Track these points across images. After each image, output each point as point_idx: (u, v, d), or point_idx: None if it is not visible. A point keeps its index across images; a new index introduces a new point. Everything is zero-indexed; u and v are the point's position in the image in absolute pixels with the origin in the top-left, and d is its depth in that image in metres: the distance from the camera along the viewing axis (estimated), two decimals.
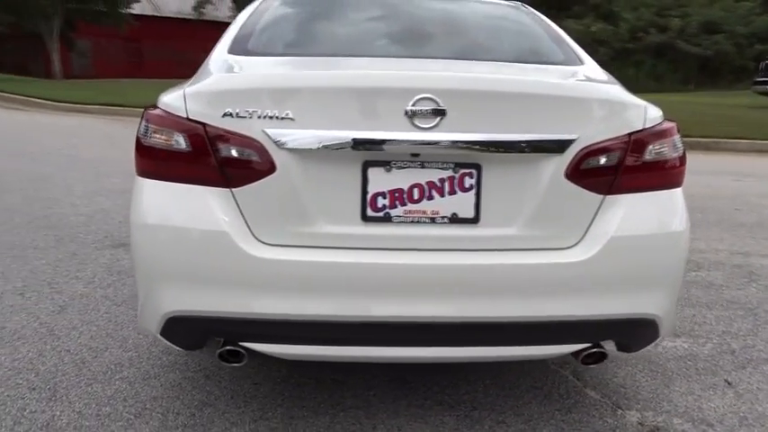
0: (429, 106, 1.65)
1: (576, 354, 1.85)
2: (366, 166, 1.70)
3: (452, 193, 1.73)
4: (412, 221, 1.72)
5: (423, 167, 1.71)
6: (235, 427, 2.02)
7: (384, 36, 2.39)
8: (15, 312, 2.87)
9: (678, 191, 1.89)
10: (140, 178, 1.80)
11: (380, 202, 1.71)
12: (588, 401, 2.23)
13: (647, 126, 1.81)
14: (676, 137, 1.88)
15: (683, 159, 1.89)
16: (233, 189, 1.71)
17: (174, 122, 1.73)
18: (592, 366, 2.04)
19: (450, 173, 1.72)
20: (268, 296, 1.69)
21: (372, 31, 2.44)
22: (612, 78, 2.08)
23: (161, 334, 1.80)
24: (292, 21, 2.46)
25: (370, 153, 1.69)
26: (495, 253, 1.74)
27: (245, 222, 1.71)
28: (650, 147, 1.80)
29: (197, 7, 37.34)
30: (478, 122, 1.69)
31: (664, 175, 1.85)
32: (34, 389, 2.22)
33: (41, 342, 2.58)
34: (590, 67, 2.16)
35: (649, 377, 2.42)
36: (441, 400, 2.20)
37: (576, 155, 1.72)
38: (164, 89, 1.88)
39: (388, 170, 1.71)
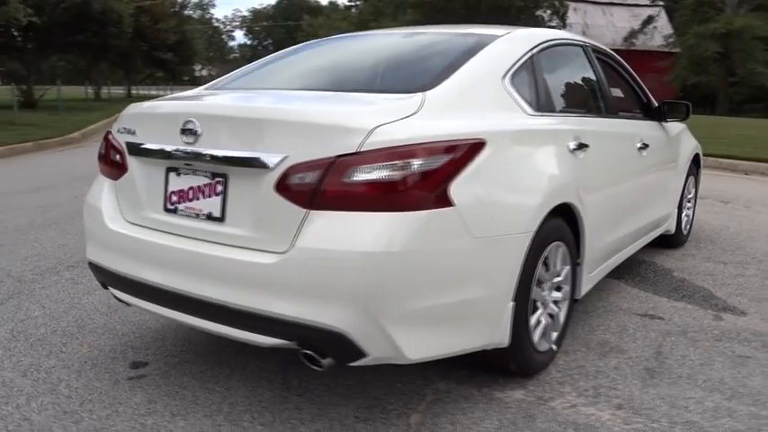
0: (192, 127, 2.16)
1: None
2: (168, 171, 2.30)
3: (210, 196, 2.18)
4: (188, 215, 2.24)
5: (195, 174, 2.22)
6: (152, 347, 2.80)
7: (292, 74, 2.86)
8: None
9: (394, 214, 1.90)
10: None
11: (173, 198, 2.29)
12: (408, 423, 2.26)
13: (363, 150, 1.91)
14: (406, 161, 1.91)
15: (408, 183, 1.90)
16: (115, 182, 2.52)
17: (106, 136, 2.63)
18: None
19: (208, 180, 2.18)
20: (112, 256, 2.44)
21: (288, 71, 2.92)
22: (425, 106, 2.12)
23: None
24: (261, 65, 3.10)
25: (169, 161, 2.28)
26: (228, 247, 2.11)
27: (119, 205, 2.50)
28: (360, 169, 1.91)
29: (628, 37, 37.19)
30: (221, 141, 2.12)
31: (374, 197, 1.91)
32: None
33: None
34: (423, 95, 2.20)
35: (512, 428, 2.23)
36: (308, 388, 2.54)
37: (283, 171, 1.98)
38: None
39: (178, 175, 2.27)
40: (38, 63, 25.47)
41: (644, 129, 3.75)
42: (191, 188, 2.24)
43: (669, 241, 4.69)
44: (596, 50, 3.51)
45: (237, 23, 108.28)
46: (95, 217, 2.53)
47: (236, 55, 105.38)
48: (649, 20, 38.02)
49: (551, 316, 2.69)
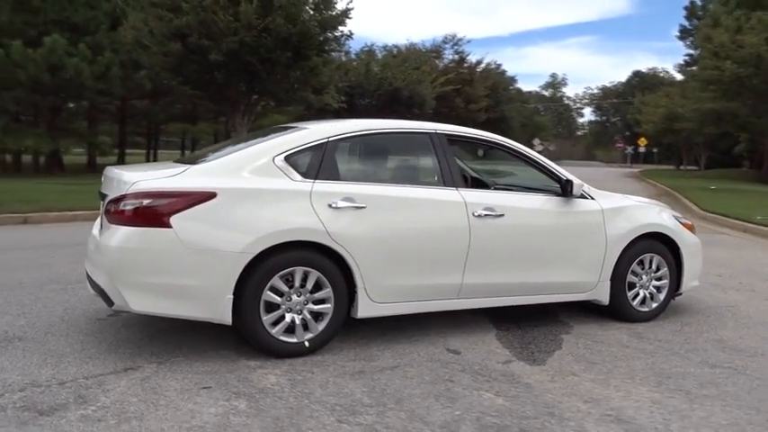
0: (103, 180, 4.14)
1: None
2: (102, 204, 4.29)
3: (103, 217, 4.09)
4: (101, 229, 4.17)
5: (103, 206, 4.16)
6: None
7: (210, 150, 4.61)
8: None
9: (131, 228, 3.54)
10: None
11: (102, 220, 4.25)
12: (167, 367, 3.77)
13: (129, 192, 3.62)
14: (142, 200, 3.55)
15: (143, 211, 3.53)
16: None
17: None
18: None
19: (103, 209, 4.09)
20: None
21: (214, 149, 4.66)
22: (185, 173, 3.71)
23: None
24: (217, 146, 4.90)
25: (102, 199, 4.28)
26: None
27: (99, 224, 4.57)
28: (124, 203, 3.61)
29: None
30: (107, 188, 4.02)
31: (126, 218, 3.59)
32: None
33: None
34: (190, 166, 3.80)
35: (212, 373, 3.57)
36: (171, 341, 4.23)
37: (107, 202, 3.78)
38: None
39: (102, 205, 4.24)
40: None
41: (500, 200, 4.38)
42: (103, 213, 4.17)
43: (618, 314, 4.90)
44: (453, 136, 4.43)
45: (587, 101, 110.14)
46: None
47: (585, 131, 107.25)
48: None
49: (305, 321, 3.85)
